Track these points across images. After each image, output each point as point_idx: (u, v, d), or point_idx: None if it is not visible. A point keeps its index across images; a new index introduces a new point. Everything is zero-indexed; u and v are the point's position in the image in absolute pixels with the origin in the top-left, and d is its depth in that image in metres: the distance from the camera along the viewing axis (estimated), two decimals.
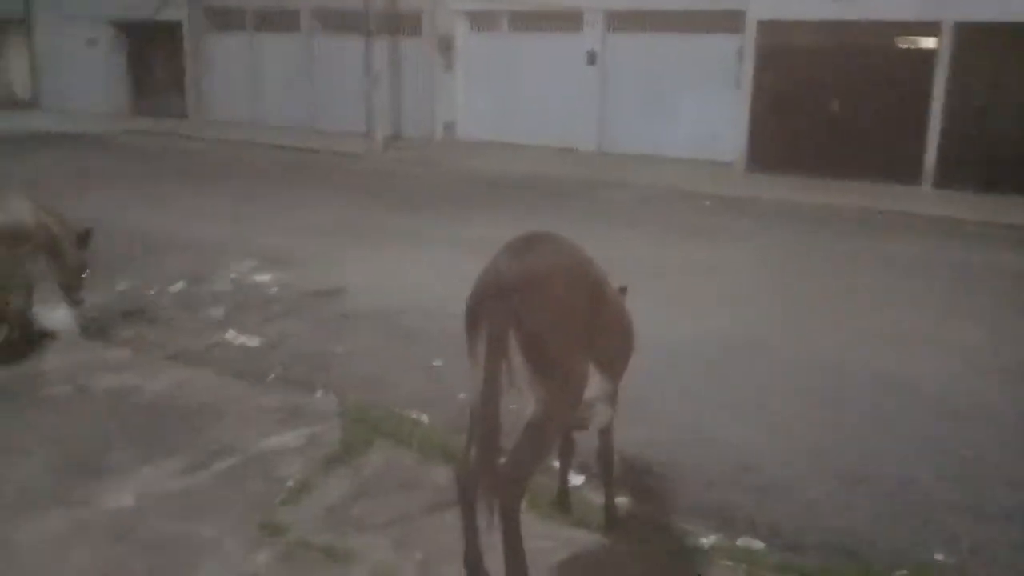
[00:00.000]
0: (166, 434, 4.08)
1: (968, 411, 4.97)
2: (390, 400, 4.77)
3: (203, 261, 7.79)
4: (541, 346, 2.76)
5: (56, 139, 16.77)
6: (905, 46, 12.91)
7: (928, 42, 12.52)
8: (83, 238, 5.55)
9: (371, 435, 4.18)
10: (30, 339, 5.23)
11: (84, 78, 20.96)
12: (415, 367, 5.41)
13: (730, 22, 13.96)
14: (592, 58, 15.48)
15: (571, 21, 15.65)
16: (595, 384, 3.04)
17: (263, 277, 7.41)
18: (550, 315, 2.79)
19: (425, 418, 4.54)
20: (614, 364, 3.24)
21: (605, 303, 3.12)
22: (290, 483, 3.66)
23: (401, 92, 17.54)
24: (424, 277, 7.52)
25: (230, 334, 5.93)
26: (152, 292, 6.87)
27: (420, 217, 10.26)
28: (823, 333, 6.29)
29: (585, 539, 3.44)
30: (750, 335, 6.17)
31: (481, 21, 16.83)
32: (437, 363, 5.42)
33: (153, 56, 20.62)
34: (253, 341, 5.82)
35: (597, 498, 3.74)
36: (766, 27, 13.51)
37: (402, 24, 17.24)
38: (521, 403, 2.81)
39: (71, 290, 5.54)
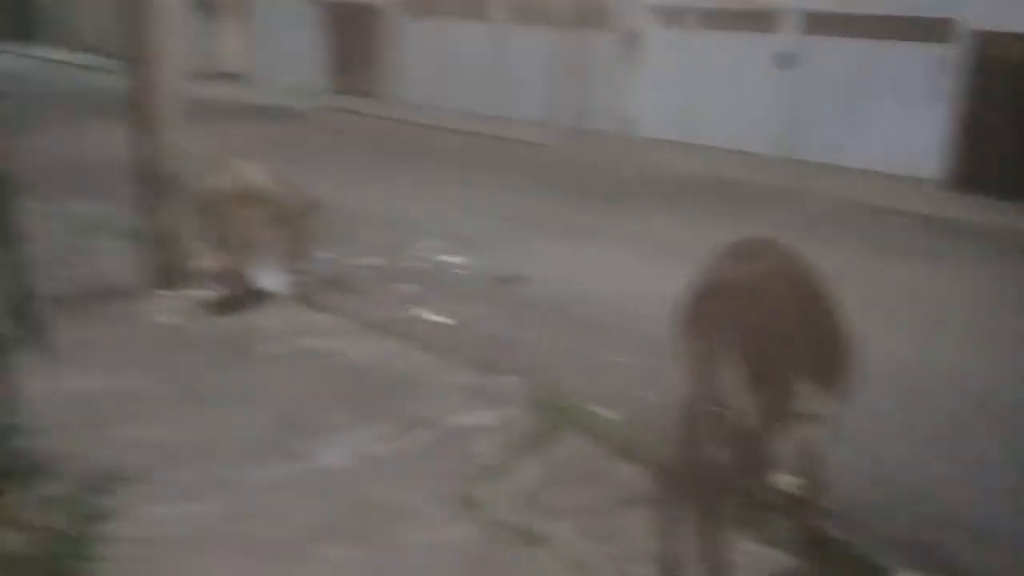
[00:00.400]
0: (370, 400, 4.32)
1: None
2: (575, 392, 4.84)
3: (395, 238, 8.15)
4: (760, 353, 2.73)
5: (260, 111, 17.95)
6: None
7: None
8: (311, 209, 5.93)
9: (559, 424, 4.27)
10: (248, 299, 5.66)
11: (289, 55, 22.27)
12: (599, 361, 5.47)
13: (938, 31, 13.12)
14: (784, 60, 14.96)
15: (764, 21, 15.19)
16: (810, 399, 2.97)
17: (452, 258, 7.67)
18: (771, 323, 2.75)
19: (611, 413, 4.58)
20: (831, 380, 3.15)
21: (827, 316, 3.05)
22: (485, 461, 3.80)
23: (585, 85, 17.60)
24: (606, 272, 7.57)
25: (422, 310, 6.19)
26: (349, 263, 7.25)
27: (601, 212, 10.30)
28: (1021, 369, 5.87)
29: (776, 558, 3.38)
30: (946, 363, 5.84)
31: (670, 17, 16.62)
32: (621, 359, 5.45)
33: (353, 37, 21.63)
34: (444, 319, 6.06)
35: (791, 517, 3.66)
36: (981, 38, 12.61)
37: (590, 18, 17.29)
38: (731, 408, 2.79)
39: (293, 257, 5.95)
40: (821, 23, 14.58)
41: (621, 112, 17.06)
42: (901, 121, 13.69)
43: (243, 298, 5.61)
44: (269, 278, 6.03)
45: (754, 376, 2.74)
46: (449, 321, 6.04)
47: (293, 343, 5.01)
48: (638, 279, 7.33)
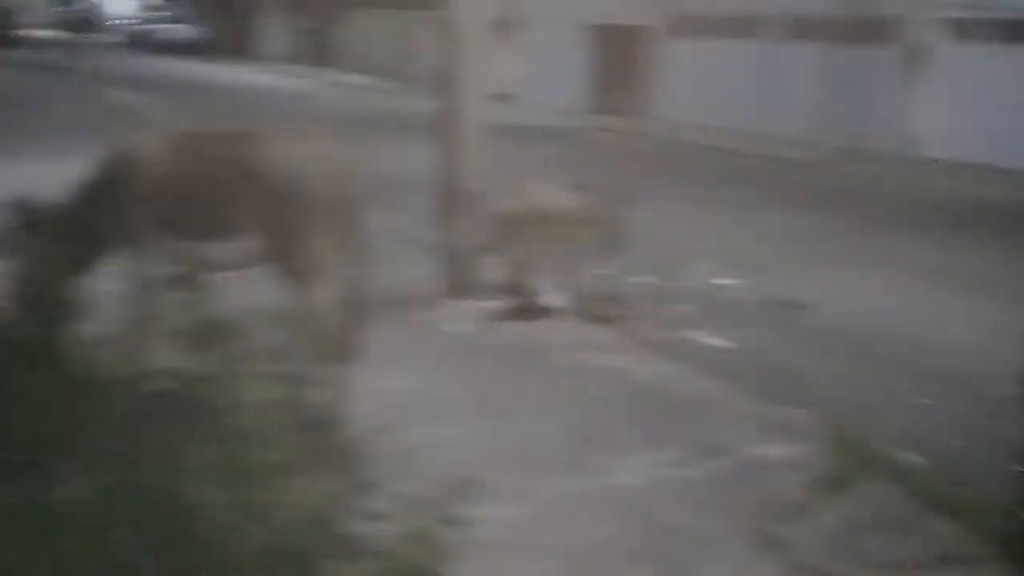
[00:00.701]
0: (657, 421, 4.26)
1: None
2: (875, 431, 4.49)
3: (664, 256, 8.05)
4: None
5: (529, 131, 18.60)
6: None
7: None
8: (618, 224, 6.06)
9: (863, 466, 3.96)
10: (535, 311, 5.82)
11: (557, 77, 22.92)
12: (899, 401, 5.04)
13: None
14: None
15: None
16: None
17: (726, 280, 7.46)
18: None
19: (920, 460, 4.20)
20: None
21: None
22: (785, 498, 3.60)
23: (861, 103, 16.57)
24: (895, 302, 7.03)
25: (700, 332, 6.05)
26: (622, 280, 7.24)
27: (884, 236, 9.60)
28: None
29: None
30: None
31: (965, 30, 15.24)
32: (926, 401, 4.99)
33: (620, 58, 21.89)
34: (724, 343, 5.88)
35: None
36: None
37: (869, 33, 16.27)
38: None
39: (583, 271, 6.11)
40: None
41: (902, 131, 15.87)
42: None
43: (531, 309, 5.78)
44: (552, 292, 6.16)
45: None
46: (728, 345, 5.85)
47: (575, 357, 5.07)
48: (935, 313, 6.72)
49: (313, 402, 2.54)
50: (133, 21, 43.28)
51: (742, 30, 18.80)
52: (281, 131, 4.01)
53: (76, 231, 3.97)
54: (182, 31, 39.05)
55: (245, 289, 3.65)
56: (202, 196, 3.80)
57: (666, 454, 3.91)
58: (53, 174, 6.70)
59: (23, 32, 37.95)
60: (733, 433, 4.20)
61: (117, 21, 47.03)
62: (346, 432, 2.72)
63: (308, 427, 2.41)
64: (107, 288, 3.81)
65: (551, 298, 6.11)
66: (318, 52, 32.05)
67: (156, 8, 41.94)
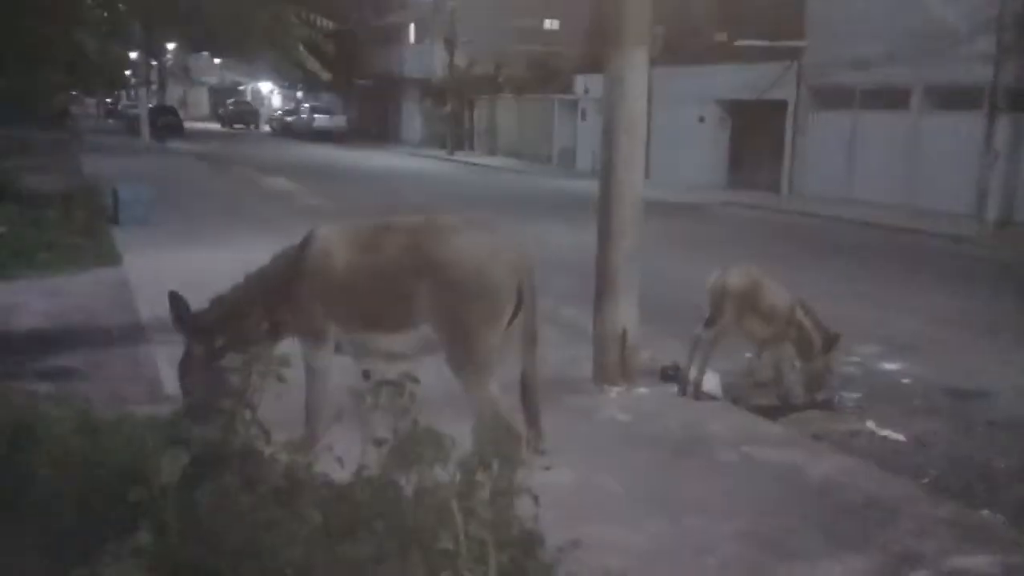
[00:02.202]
0: (842, 524, 3.98)
1: None
2: None
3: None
4: None
5: (661, 207, 18.49)
6: None
7: None
8: (830, 342, 5.94)
9: None
10: (694, 396, 5.68)
11: (689, 152, 22.83)
12: None
13: None
14: None
15: None
16: None
17: (892, 365, 7.06)
18: None
19: None
20: None
21: None
22: None
23: (1014, 173, 15.68)
24: None
25: (870, 424, 5.70)
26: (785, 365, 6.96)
27: None
28: None
29: None
30: None
31: None
32: None
33: (754, 132, 21.64)
34: (897, 435, 5.51)
35: None
36: None
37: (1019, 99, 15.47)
38: None
39: (808, 389, 6.02)
40: None
41: None
42: None
43: (691, 396, 5.66)
44: (711, 379, 5.97)
45: None
46: (904, 438, 5.48)
47: (743, 451, 4.84)
48: None
49: (512, 513, 2.49)
50: (286, 112, 46.50)
51: (887, 100, 18.24)
52: (455, 221, 4.08)
53: (245, 323, 4.05)
54: (330, 120, 41.63)
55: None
56: (380, 288, 3.89)
57: (858, 564, 3.63)
58: (220, 261, 7.15)
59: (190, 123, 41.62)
60: (926, 539, 3.87)
61: (274, 112, 50.74)
62: (543, 546, 2.64)
63: (512, 543, 2.35)
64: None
65: (710, 384, 5.92)
66: (455, 135, 33.20)
67: (306, 100, 44.97)
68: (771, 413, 5.73)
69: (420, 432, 2.14)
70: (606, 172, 5.82)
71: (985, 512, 4.37)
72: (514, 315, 3.85)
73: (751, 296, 5.84)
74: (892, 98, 18.10)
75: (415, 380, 2.46)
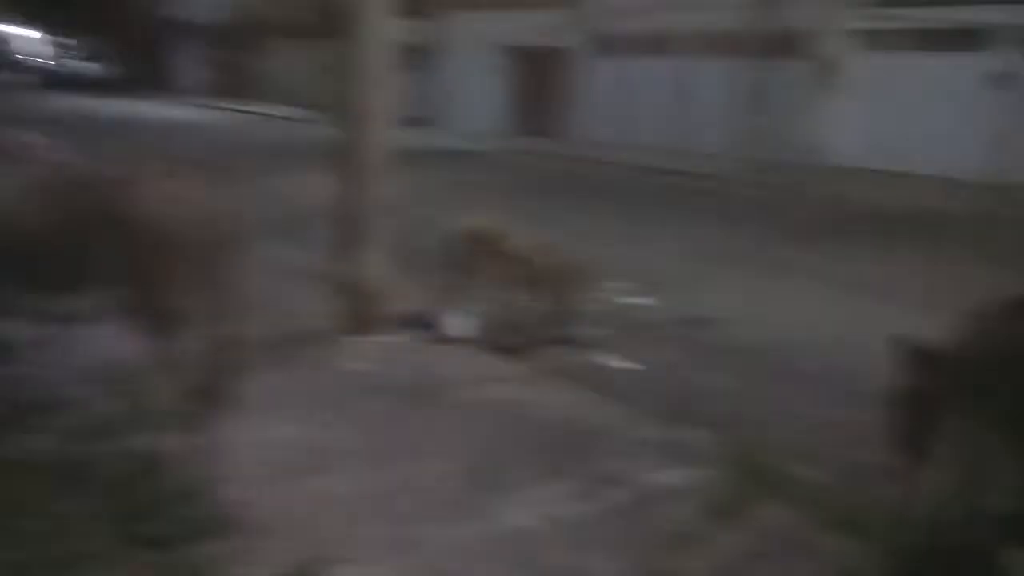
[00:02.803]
0: (558, 454, 4.14)
1: None
2: (777, 449, 4.45)
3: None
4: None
5: (449, 155, 18.53)
6: None
7: None
8: (577, 280, 6.14)
9: (761, 487, 3.91)
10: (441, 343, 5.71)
11: (474, 100, 22.96)
12: (803, 415, 5.03)
13: None
14: (1001, 80, 13.72)
15: (975, 40, 14.00)
16: None
17: (638, 299, 7.43)
18: None
19: (816, 474, 4.16)
20: None
21: None
22: (678, 528, 3.51)
23: (774, 114, 16.94)
24: (807, 314, 7.08)
25: (609, 356, 5.97)
26: (533, 306, 7.16)
27: (796, 248, 9.73)
28: None
29: None
30: None
31: (873, 40, 15.69)
32: (830, 414, 4.98)
33: (539, 80, 22.03)
34: (632, 366, 5.82)
35: None
36: None
37: (781, 46, 16.65)
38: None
39: (554, 327, 6.11)
40: None
41: (814, 141, 16.25)
42: None
43: (438, 343, 5.68)
44: (457, 323, 6.03)
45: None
46: (638, 368, 5.79)
47: (479, 392, 4.94)
48: (843, 323, 6.79)
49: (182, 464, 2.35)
50: (44, 60, 42.11)
51: (657, 47, 19.06)
52: (150, 171, 3.79)
53: None
54: (94, 69, 38.21)
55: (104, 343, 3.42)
56: (62, 246, 3.57)
57: (560, 489, 3.80)
58: None
59: None
60: (632, 461, 4.11)
61: (28, 59, 45.69)
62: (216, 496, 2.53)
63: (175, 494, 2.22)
64: None
65: (458, 329, 5.98)
66: (235, 86, 31.58)
67: (67, 47, 40.90)
68: (516, 353, 5.87)
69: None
70: (349, 116, 5.66)
71: (695, 430, 4.68)
72: (208, 268, 3.64)
73: (494, 240, 5.95)
74: (665, 44, 18.94)
75: None
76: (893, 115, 15.12)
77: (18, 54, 45.85)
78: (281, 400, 4.39)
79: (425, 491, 3.73)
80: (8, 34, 50.21)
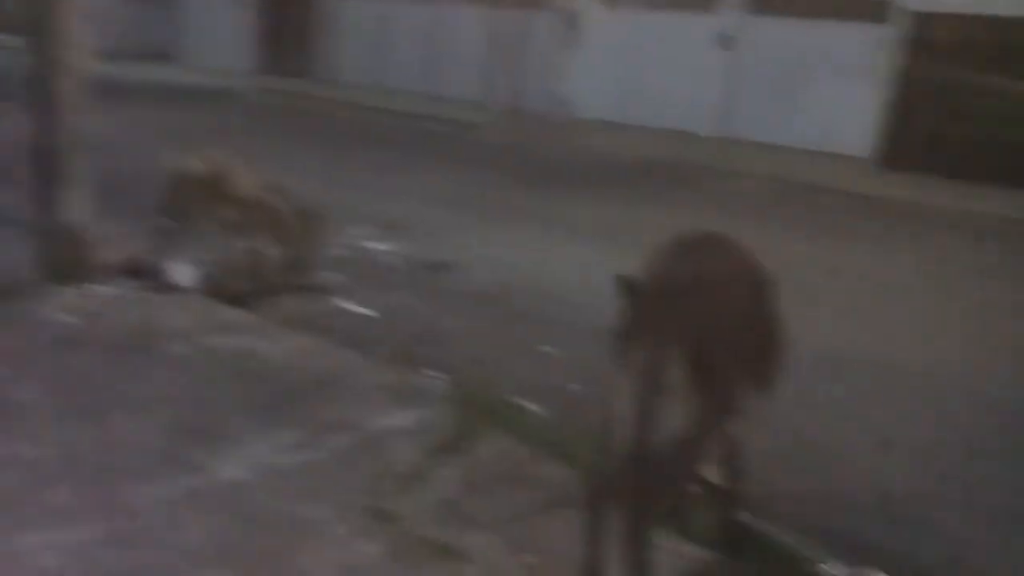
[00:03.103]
0: (282, 403, 4.03)
1: None
2: (499, 386, 4.62)
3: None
4: (711, 358, 2.57)
5: (189, 93, 17.32)
6: None
7: None
8: (313, 224, 5.91)
9: (482, 423, 4.04)
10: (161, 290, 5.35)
11: (219, 35, 21.57)
12: (525, 352, 5.25)
13: (877, 11, 13.17)
14: (725, 40, 14.90)
15: (707, 1, 15.10)
16: (748, 397, 2.85)
17: (380, 245, 7.38)
18: (725, 325, 2.60)
19: (536, 408, 4.38)
20: (768, 374, 3.03)
21: (775, 314, 2.95)
22: (400, 469, 3.55)
23: (523, 65, 17.36)
24: (543, 258, 7.37)
25: (345, 302, 5.89)
26: (268, 251, 6.90)
27: (537, 195, 10.09)
28: (955, 351, 5.82)
29: (698, 555, 3.20)
30: (879, 347, 5.76)
31: None
32: (547, 349, 5.23)
33: (288, 17, 21.05)
34: (368, 311, 5.77)
35: (713, 510, 3.51)
36: (917, 18, 12.68)
37: None
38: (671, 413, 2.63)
39: (289, 273, 5.87)
40: (762, 2, 14.54)
41: (559, 93, 16.85)
42: (837, 100, 13.74)
43: (157, 290, 5.31)
44: (181, 271, 5.68)
45: (702, 380, 2.60)
46: (374, 313, 5.76)
47: (200, 342, 4.68)
48: (575, 265, 7.14)
49: None
50: None
51: None
52: None
53: None
54: None
55: None
56: None
57: (283, 438, 3.70)
58: None
59: None
60: (360, 407, 4.09)
61: None
62: None
63: None
64: None
65: (182, 277, 5.63)
66: None
67: None
68: (245, 301, 5.63)
69: None
70: (41, 40, 5.05)
71: (428, 373, 4.74)
72: None
73: (215, 182, 5.64)
74: None
75: None
76: (633, 71, 15.98)
77: None
78: None
79: (127, 448, 3.49)
80: None
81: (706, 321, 2.60)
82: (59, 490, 3.14)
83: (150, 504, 3.13)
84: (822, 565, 3.30)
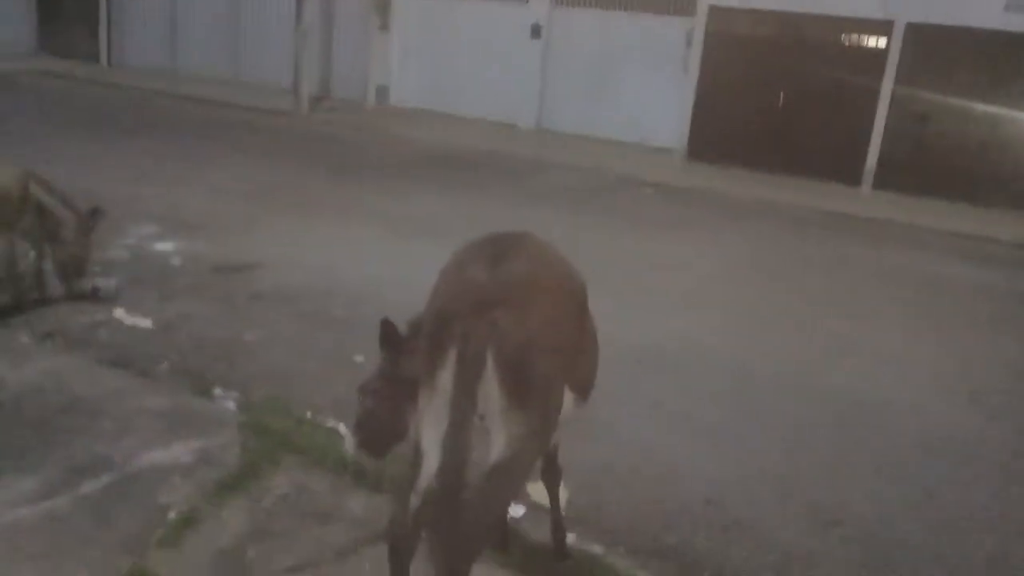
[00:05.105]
0: (26, 440, 3.34)
1: (943, 442, 4.58)
2: (301, 404, 4.11)
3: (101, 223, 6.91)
4: (525, 372, 2.23)
5: None
6: (856, 44, 12.60)
7: (879, 41, 12.25)
8: (86, 222, 5.13)
9: (277, 451, 3.53)
10: None
11: None
12: (334, 362, 4.74)
13: (682, 5, 13.50)
14: (536, 31, 14.83)
15: None
16: (568, 409, 2.52)
17: (166, 245, 6.59)
18: (537, 335, 2.24)
19: (343, 428, 3.90)
20: (588, 384, 2.72)
21: (588, 318, 2.63)
22: (173, 515, 2.98)
23: (332, 50, 16.58)
24: (352, 255, 6.84)
25: (119, 312, 5.13)
26: (31, 255, 5.99)
27: (348, 188, 9.50)
28: (773, 340, 5.86)
29: None
30: (699, 341, 5.69)
31: None
32: (359, 359, 4.74)
33: None
34: (146, 322, 5.05)
35: (538, 533, 3.20)
36: (717, 13, 13.08)
37: None
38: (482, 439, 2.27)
39: (64, 278, 5.14)
40: None
41: (372, 80, 16.22)
42: (647, 93, 13.97)
43: None
44: None
45: (517, 396, 2.24)
46: (153, 324, 5.04)
47: None
48: (385, 262, 6.66)
49: None
50: None
51: None
52: None
53: None
54: None
55: None
56: None
57: (25, 485, 3.04)
58: None
59: None
60: (126, 438, 3.47)
61: None
62: None
63: None
64: None
65: None
66: None
67: None
68: (5, 313, 4.78)
69: None
70: None
71: (214, 393, 4.16)
72: None
73: None
74: None
75: None
76: (449, 60, 15.61)
77: None
78: None
79: None
80: None
81: (522, 332, 2.26)
82: None
83: None
84: None
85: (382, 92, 16.16)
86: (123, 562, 2.71)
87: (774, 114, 12.86)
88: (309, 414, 3.99)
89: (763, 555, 3.42)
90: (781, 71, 12.73)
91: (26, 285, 5.10)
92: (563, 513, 3.17)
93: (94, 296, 5.30)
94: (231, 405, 3.93)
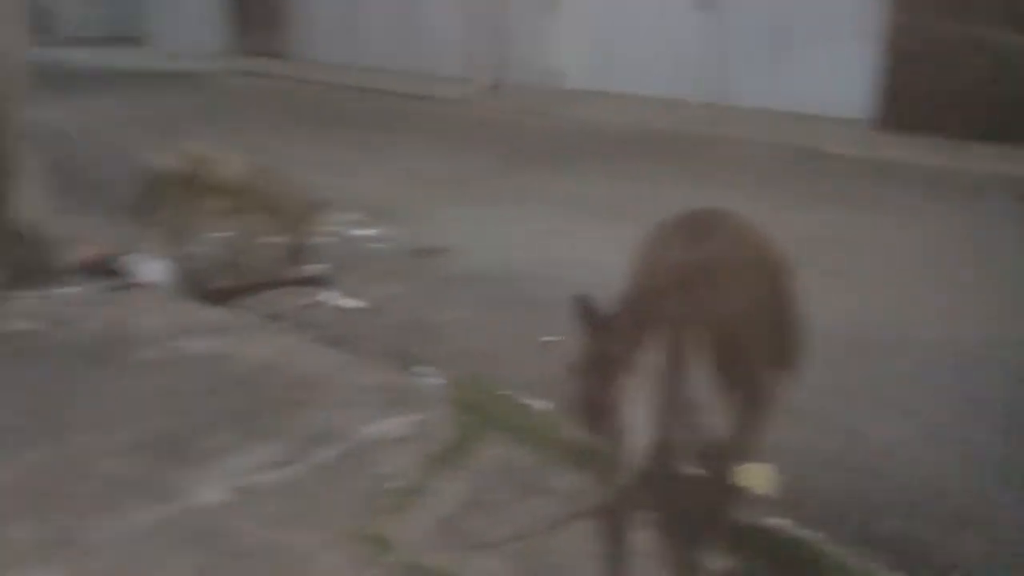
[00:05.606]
0: (262, 412, 3.67)
1: None
2: (503, 382, 4.27)
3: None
4: (731, 350, 2.23)
5: (159, 77, 16.77)
6: None
7: None
8: (308, 212, 5.67)
9: (484, 427, 3.69)
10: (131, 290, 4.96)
11: (189, 16, 20.94)
12: (526, 342, 4.88)
13: None
14: (704, 2, 14.45)
15: None
16: (774, 388, 2.51)
17: (366, 231, 6.99)
18: (741, 313, 2.25)
19: (544, 406, 4.02)
20: (790, 360, 2.69)
21: (791, 296, 2.60)
22: (395, 485, 3.20)
23: (506, 36, 16.86)
24: (539, 239, 6.97)
25: (333, 295, 5.52)
26: (249, 243, 6.51)
27: (528, 172, 9.67)
28: (996, 327, 5.47)
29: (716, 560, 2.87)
30: (895, 322, 5.40)
31: None
32: (549, 338, 4.86)
33: None
34: (355, 304, 5.40)
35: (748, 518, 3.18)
36: None
37: None
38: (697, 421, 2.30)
39: (286, 265, 5.61)
40: None
41: (544, 64, 16.37)
42: (829, 60, 13.29)
43: (127, 290, 4.93)
44: (153, 268, 5.29)
45: (729, 378, 2.27)
46: (361, 305, 5.38)
47: (175, 346, 4.31)
48: (574, 246, 6.75)
49: None
50: None
51: None
52: None
53: None
54: None
55: None
56: None
57: (264, 454, 3.35)
58: None
59: None
60: (348, 412, 3.73)
61: None
62: None
63: None
64: None
65: (154, 275, 5.24)
66: None
67: None
68: (224, 299, 5.25)
69: None
70: None
71: (422, 371, 4.39)
72: None
73: (194, 176, 5.24)
74: None
75: None
76: (612, 37, 15.51)
77: None
78: None
79: (96, 473, 3.13)
80: None
81: (724, 307, 2.27)
82: (19, 524, 2.78)
83: (119, 538, 2.77)
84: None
85: (555, 75, 16.28)
86: (355, 526, 2.93)
87: (980, 78, 11.87)
88: (510, 392, 4.13)
89: (991, 548, 3.25)
90: (987, 33, 11.76)
91: (252, 270, 5.56)
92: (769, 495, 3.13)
93: (314, 280, 5.71)
94: (440, 381, 4.13)
